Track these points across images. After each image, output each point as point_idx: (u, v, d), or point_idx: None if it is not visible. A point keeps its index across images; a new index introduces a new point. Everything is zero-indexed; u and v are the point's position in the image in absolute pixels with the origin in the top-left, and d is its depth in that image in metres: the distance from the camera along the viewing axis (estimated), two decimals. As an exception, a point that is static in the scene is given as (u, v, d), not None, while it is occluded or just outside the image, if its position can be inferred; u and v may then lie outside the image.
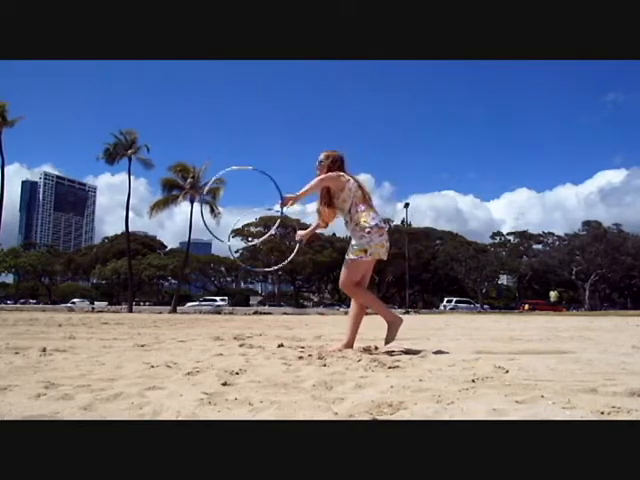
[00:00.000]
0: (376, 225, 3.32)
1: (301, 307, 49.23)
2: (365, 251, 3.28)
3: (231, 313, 23.75)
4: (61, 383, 2.06)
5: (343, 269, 3.39)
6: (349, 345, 3.41)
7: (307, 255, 53.91)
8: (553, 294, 30.75)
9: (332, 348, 3.43)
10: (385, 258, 3.37)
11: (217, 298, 55.47)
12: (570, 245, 51.02)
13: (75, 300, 55.82)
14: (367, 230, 3.28)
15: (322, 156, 3.52)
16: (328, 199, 3.42)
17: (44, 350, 3.37)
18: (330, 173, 3.37)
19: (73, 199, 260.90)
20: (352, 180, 3.40)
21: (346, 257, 3.39)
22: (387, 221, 57.33)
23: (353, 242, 3.35)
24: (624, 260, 47.87)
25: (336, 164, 3.45)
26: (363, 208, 3.35)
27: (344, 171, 3.45)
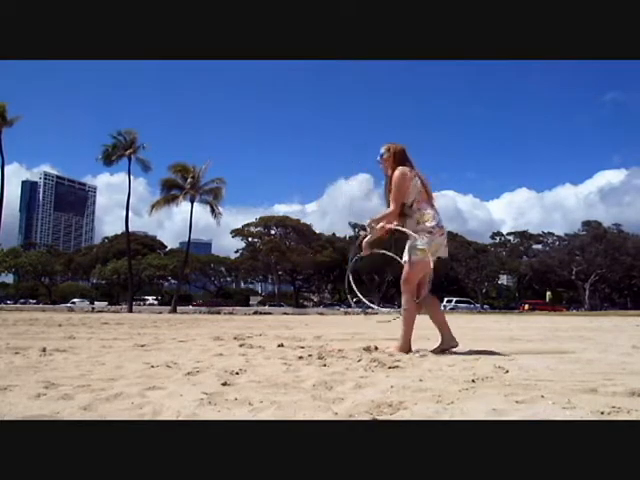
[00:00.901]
0: (437, 225, 3.30)
1: (301, 307, 49.20)
2: (425, 251, 3.24)
3: (232, 313, 23.75)
4: (61, 383, 2.06)
5: (406, 268, 3.32)
6: (448, 343, 3.36)
7: (307, 255, 53.90)
8: (547, 294, 31.09)
9: (433, 349, 3.36)
10: (446, 255, 3.36)
11: (149, 298, 54.11)
12: (570, 245, 51.05)
13: (75, 300, 55.79)
14: (429, 230, 3.26)
15: (383, 149, 3.45)
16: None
17: (44, 350, 3.37)
18: (400, 174, 3.28)
19: (73, 199, 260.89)
20: (417, 177, 3.35)
21: (405, 257, 3.33)
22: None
23: (413, 242, 3.29)
24: (624, 260, 47.88)
25: (398, 156, 3.39)
26: (425, 207, 3.32)
27: (408, 163, 3.39)
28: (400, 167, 3.32)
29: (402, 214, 3.37)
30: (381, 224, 3.39)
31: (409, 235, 3.32)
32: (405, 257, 3.36)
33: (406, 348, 3.30)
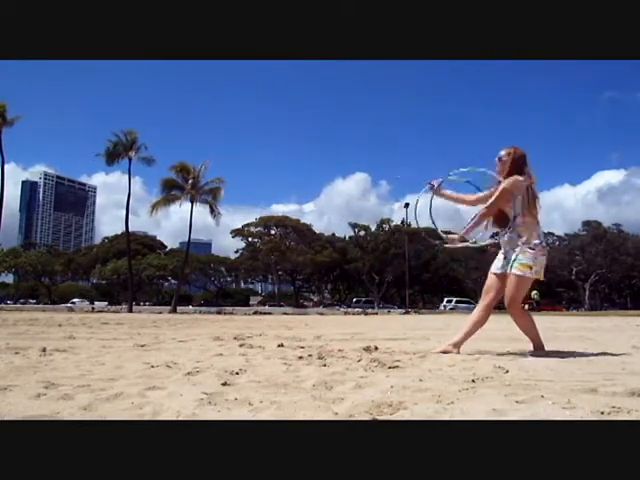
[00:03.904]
0: (540, 243, 3.21)
1: (301, 307, 49.22)
2: (530, 267, 3.14)
3: (231, 313, 23.75)
4: (61, 383, 2.06)
5: (511, 286, 3.20)
6: (457, 345, 3.27)
7: (307, 255, 53.92)
8: (533, 293, 31.23)
9: (438, 349, 3.30)
10: (542, 277, 3.24)
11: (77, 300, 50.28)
12: (570, 245, 51.04)
13: (75, 300, 55.79)
14: (532, 246, 3.17)
15: (503, 152, 3.29)
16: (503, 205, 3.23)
17: (44, 350, 3.37)
18: (512, 181, 3.16)
19: (73, 199, 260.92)
20: (529, 189, 3.21)
21: (505, 269, 3.22)
22: (387, 221, 57.42)
23: (514, 256, 3.18)
24: (624, 260, 47.90)
25: (517, 162, 3.23)
26: (529, 220, 3.21)
27: (526, 170, 3.24)
28: (515, 176, 3.19)
29: (501, 223, 3.27)
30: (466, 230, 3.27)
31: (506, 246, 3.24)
32: (503, 269, 3.24)
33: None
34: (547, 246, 3.30)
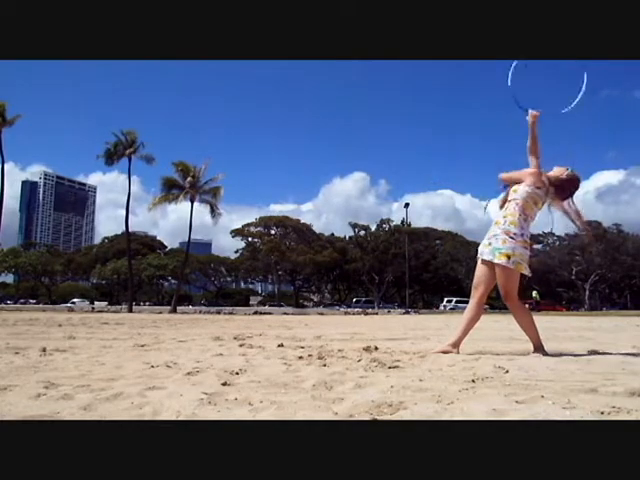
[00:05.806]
0: (522, 235, 3.15)
1: (301, 307, 49.19)
2: (508, 257, 3.08)
3: (231, 313, 23.75)
4: (61, 383, 2.06)
5: (498, 279, 3.18)
6: (456, 345, 3.25)
7: (307, 255, 53.93)
8: (534, 293, 31.14)
9: (437, 350, 3.27)
10: (528, 274, 3.17)
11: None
12: (570, 245, 51.05)
13: (75, 300, 55.84)
14: (511, 235, 3.12)
15: (568, 172, 3.31)
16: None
17: (44, 350, 3.37)
18: (539, 176, 3.23)
19: (73, 199, 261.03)
20: (546, 191, 3.24)
21: (488, 256, 3.20)
22: (388, 221, 57.44)
23: (495, 244, 3.16)
24: (624, 260, 47.92)
25: (566, 183, 3.27)
26: (521, 215, 3.17)
27: (568, 195, 3.32)
28: (541, 183, 3.23)
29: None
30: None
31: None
32: (488, 256, 3.20)
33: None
34: (533, 243, 3.30)
